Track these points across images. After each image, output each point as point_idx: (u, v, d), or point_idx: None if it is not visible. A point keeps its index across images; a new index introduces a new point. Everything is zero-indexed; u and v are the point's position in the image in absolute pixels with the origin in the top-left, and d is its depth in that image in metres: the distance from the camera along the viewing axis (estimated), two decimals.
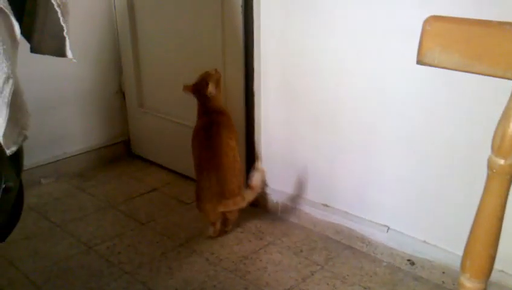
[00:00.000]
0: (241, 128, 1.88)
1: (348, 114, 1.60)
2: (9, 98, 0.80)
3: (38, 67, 1.82)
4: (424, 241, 1.52)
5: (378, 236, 1.61)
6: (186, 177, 2.18)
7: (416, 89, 1.41)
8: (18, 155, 0.91)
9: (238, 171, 1.72)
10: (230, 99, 1.87)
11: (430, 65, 0.54)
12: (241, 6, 1.72)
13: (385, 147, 1.54)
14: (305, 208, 1.81)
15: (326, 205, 1.76)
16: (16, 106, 0.83)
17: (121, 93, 2.42)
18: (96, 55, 2.28)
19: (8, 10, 0.79)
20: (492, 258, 0.59)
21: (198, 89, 1.70)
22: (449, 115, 1.37)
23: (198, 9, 1.91)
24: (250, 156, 1.93)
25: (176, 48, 2.06)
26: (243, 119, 1.88)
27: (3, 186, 0.94)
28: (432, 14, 0.54)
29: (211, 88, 1.66)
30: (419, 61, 0.55)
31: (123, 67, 2.36)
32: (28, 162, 1.01)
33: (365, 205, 1.65)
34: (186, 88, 1.73)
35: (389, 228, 1.60)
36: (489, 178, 0.56)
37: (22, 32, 0.87)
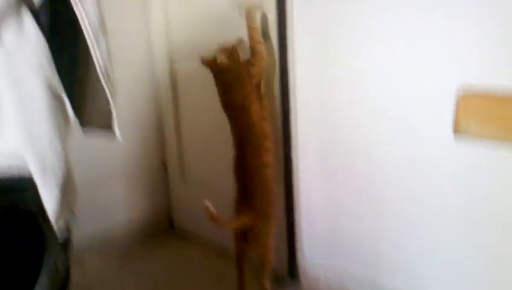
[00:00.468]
0: (280, 199, 1.86)
1: (392, 187, 1.55)
2: (61, 177, 0.83)
3: (85, 143, 1.89)
4: None
5: None
6: (228, 251, 2.14)
7: (466, 161, 1.32)
8: (67, 237, 0.93)
9: (268, 189, 1.66)
10: None
11: (467, 134, 0.53)
12: (278, 78, 1.77)
13: (436, 224, 1.45)
14: (350, 284, 1.71)
15: (372, 280, 1.66)
16: (66, 184, 0.85)
17: (164, 167, 2.47)
18: (140, 131, 2.36)
19: (61, 92, 0.83)
20: None
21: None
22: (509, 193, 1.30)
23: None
24: (291, 230, 1.88)
25: (216, 123, 2.10)
26: (283, 190, 1.86)
27: (53, 266, 0.95)
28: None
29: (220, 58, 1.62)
30: (456, 131, 0.54)
31: (166, 142, 2.42)
32: (73, 236, 1.03)
33: (413, 281, 1.55)
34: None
35: None
36: None
37: (73, 112, 0.92)
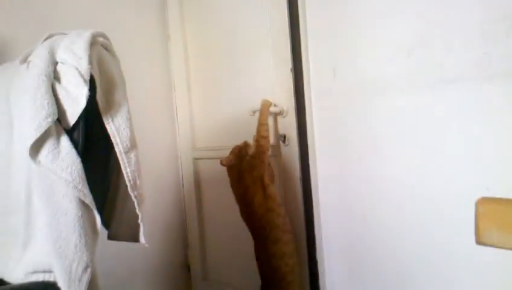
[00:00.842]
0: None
1: (417, 283, 1.52)
2: (87, 287, 0.86)
3: (107, 244, 1.93)
4: None
5: None
6: None
7: (489, 261, 1.33)
8: None
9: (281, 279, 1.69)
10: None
11: (489, 245, 0.54)
12: (300, 179, 1.83)
13: None
14: None
15: None
16: None
17: (187, 267, 2.46)
18: (164, 231, 2.40)
19: (92, 206, 0.89)
20: None
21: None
22: None
23: None
24: None
25: (240, 221, 2.14)
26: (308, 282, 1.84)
27: None
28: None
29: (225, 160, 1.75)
30: (478, 242, 0.55)
31: (189, 242, 2.44)
32: None
33: None
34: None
35: None
36: None
37: (102, 222, 0.97)
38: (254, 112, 1.84)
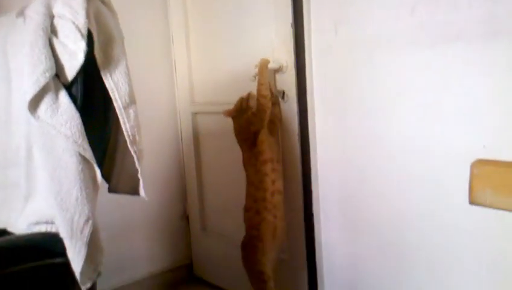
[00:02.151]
0: (301, 252, 1.88)
1: (414, 237, 1.56)
2: (88, 238, 0.88)
3: (107, 196, 1.97)
4: None
5: None
6: None
7: (485, 219, 1.36)
8: (92, 289, 0.97)
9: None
10: (289, 222, 1.89)
11: (483, 206, 0.55)
12: (298, 134, 1.83)
13: (458, 275, 1.46)
14: None
15: None
16: (93, 244, 0.90)
17: (185, 218, 2.52)
18: (163, 184, 2.44)
19: (92, 160, 0.90)
20: None
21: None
22: None
23: None
24: (312, 281, 1.89)
25: (237, 175, 2.16)
26: (303, 241, 1.88)
27: None
28: None
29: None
30: (472, 202, 0.56)
31: (188, 194, 2.49)
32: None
33: None
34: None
35: None
36: None
37: (102, 175, 0.98)
38: (255, 76, 1.82)
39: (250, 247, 1.77)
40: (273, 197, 1.74)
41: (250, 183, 1.78)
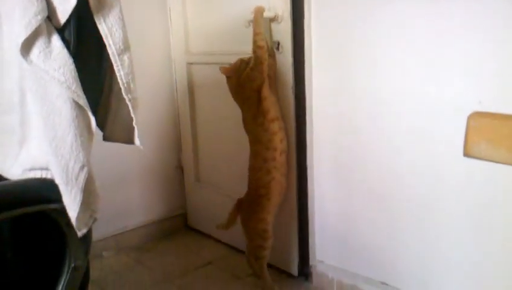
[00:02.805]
0: (293, 202, 1.91)
1: (405, 192, 1.59)
2: (84, 185, 0.88)
3: (103, 146, 1.97)
4: None
5: None
6: (240, 252, 2.19)
7: (477, 172, 1.38)
8: (87, 236, 0.99)
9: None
10: None
11: (477, 158, 0.56)
12: (292, 87, 1.81)
13: (447, 227, 1.50)
14: (362, 286, 1.76)
15: (384, 283, 1.70)
16: (89, 191, 0.91)
17: (180, 169, 2.53)
18: (158, 134, 2.44)
19: (86, 107, 0.89)
20: None
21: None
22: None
23: None
24: (303, 231, 1.93)
25: (231, 126, 2.16)
26: (295, 193, 1.91)
27: (73, 265, 1.01)
28: None
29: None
30: (466, 154, 0.57)
31: (182, 145, 2.49)
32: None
33: (427, 285, 1.58)
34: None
35: None
36: None
37: (97, 123, 0.97)
38: (249, 22, 1.77)
39: (256, 205, 1.78)
40: (281, 156, 1.75)
41: (257, 142, 1.76)
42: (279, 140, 1.74)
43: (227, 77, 1.79)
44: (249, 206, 1.82)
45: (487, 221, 1.40)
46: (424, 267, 1.58)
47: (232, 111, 2.11)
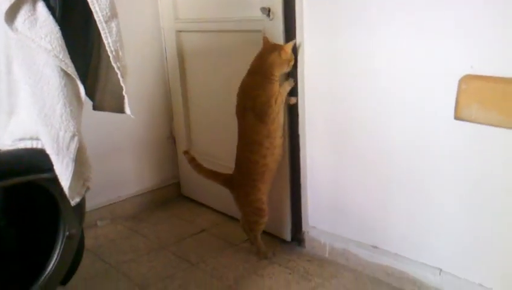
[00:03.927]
0: (285, 169, 1.92)
1: (395, 158, 1.60)
2: (75, 154, 0.88)
3: (94, 116, 1.96)
4: (480, 285, 1.47)
5: (431, 279, 1.58)
6: (234, 219, 2.22)
7: (466, 137, 1.38)
8: (80, 205, 0.99)
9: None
10: None
11: (468, 121, 0.56)
12: None
13: (435, 191, 1.52)
14: (354, 250, 1.79)
15: (375, 247, 1.74)
16: (81, 160, 0.91)
17: (172, 139, 2.53)
18: (149, 104, 2.42)
19: (74, 75, 0.88)
20: None
21: None
22: (505, 162, 1.34)
23: (243, 59, 1.99)
24: (296, 198, 1.95)
25: (223, 96, 2.15)
26: (288, 160, 1.92)
27: (67, 233, 1.02)
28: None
29: None
30: (457, 117, 0.57)
31: (174, 115, 2.48)
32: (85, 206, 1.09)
33: (416, 247, 1.62)
34: None
35: (441, 270, 1.56)
36: None
37: (86, 93, 0.97)
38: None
39: (251, 188, 1.80)
40: (280, 140, 1.78)
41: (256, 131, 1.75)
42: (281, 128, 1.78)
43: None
44: (242, 187, 1.83)
45: (477, 184, 1.42)
46: (414, 229, 1.61)
47: (223, 80, 2.10)
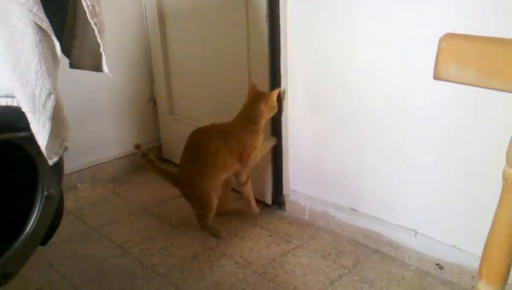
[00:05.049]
0: (267, 135, 1.92)
1: (374, 122, 1.62)
2: (52, 113, 0.86)
3: (73, 78, 1.91)
4: (454, 246, 1.52)
5: (406, 240, 1.62)
6: None
7: (444, 98, 1.41)
8: (59, 165, 0.98)
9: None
10: None
11: (446, 80, 0.56)
12: (266, 16, 1.76)
13: (413, 153, 1.55)
14: (333, 212, 1.83)
15: (354, 209, 1.78)
16: (58, 119, 0.89)
17: (153, 101, 2.50)
18: (129, 66, 2.37)
19: (49, 30, 0.85)
20: (508, 265, 0.60)
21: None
22: (477, 123, 1.36)
23: (224, 20, 1.96)
24: (277, 162, 1.96)
25: (204, 58, 2.12)
26: (269, 126, 1.92)
27: (46, 193, 1.01)
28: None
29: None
30: (436, 77, 0.57)
31: (154, 77, 2.44)
32: (65, 168, 1.07)
33: (393, 209, 1.66)
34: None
35: (417, 232, 1.60)
36: (504, 189, 0.58)
37: (62, 50, 0.94)
38: None
39: (202, 203, 1.81)
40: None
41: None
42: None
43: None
44: (183, 182, 1.84)
45: (454, 144, 1.44)
46: (392, 191, 1.64)
47: (205, 40, 2.06)
